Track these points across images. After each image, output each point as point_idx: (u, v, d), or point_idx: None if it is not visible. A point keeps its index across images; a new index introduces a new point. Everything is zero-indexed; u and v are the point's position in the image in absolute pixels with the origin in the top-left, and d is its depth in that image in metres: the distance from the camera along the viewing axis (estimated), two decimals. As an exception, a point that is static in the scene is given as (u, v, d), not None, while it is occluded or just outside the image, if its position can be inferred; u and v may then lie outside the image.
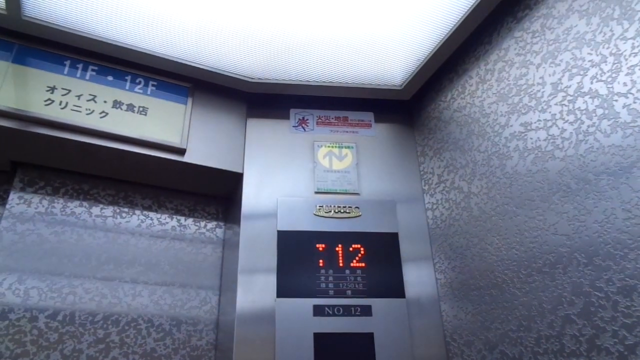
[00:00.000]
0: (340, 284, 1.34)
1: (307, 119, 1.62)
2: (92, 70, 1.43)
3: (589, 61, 0.99)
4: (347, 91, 1.59)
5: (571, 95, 1.01)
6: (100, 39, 1.38)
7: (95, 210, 1.50)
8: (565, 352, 0.94)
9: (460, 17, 1.30)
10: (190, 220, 1.64)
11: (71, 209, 1.47)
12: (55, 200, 1.46)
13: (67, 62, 1.41)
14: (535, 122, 1.10)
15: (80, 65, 1.42)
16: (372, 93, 1.60)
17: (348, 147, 1.58)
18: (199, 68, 1.49)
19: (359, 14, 1.32)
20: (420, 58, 1.45)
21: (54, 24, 1.33)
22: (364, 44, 1.41)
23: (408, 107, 1.69)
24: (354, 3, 1.28)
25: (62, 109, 1.34)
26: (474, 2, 1.26)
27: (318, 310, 1.30)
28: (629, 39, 0.90)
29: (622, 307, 0.84)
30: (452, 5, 1.28)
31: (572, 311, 0.94)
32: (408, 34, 1.37)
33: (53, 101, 1.34)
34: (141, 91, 1.48)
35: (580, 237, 0.94)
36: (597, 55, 0.97)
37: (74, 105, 1.36)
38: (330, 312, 1.30)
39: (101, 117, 1.38)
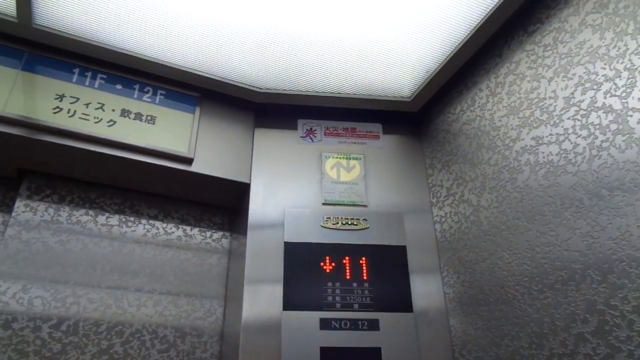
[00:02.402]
0: (348, 297, 1.32)
1: (315, 130, 1.61)
2: (101, 78, 1.44)
3: (603, 75, 0.98)
4: (356, 102, 1.58)
5: (584, 110, 1.00)
6: (110, 48, 1.38)
7: (101, 219, 1.50)
8: (578, 371, 0.92)
9: (470, 30, 1.30)
10: (196, 230, 1.63)
11: (77, 218, 1.46)
12: (61, 209, 1.46)
13: (76, 70, 1.41)
14: (547, 136, 1.09)
15: (89, 74, 1.42)
16: (380, 104, 1.59)
17: (356, 159, 1.57)
18: (207, 77, 1.49)
19: (368, 26, 1.31)
20: (429, 70, 1.45)
21: (64, 32, 1.34)
22: (372, 56, 1.41)
23: (416, 119, 1.68)
24: (363, 15, 1.28)
25: (70, 117, 1.34)
26: (484, 15, 1.25)
27: (325, 324, 1.28)
28: (644, 54, 0.89)
29: (638, 327, 0.82)
30: (462, 18, 1.27)
31: (585, 329, 0.92)
32: (417, 45, 1.37)
33: (61, 109, 1.34)
34: (149, 100, 1.48)
35: (594, 254, 0.93)
36: (611, 69, 0.96)
37: (82, 114, 1.36)
38: (337, 326, 1.28)
39: (109, 126, 1.38)
